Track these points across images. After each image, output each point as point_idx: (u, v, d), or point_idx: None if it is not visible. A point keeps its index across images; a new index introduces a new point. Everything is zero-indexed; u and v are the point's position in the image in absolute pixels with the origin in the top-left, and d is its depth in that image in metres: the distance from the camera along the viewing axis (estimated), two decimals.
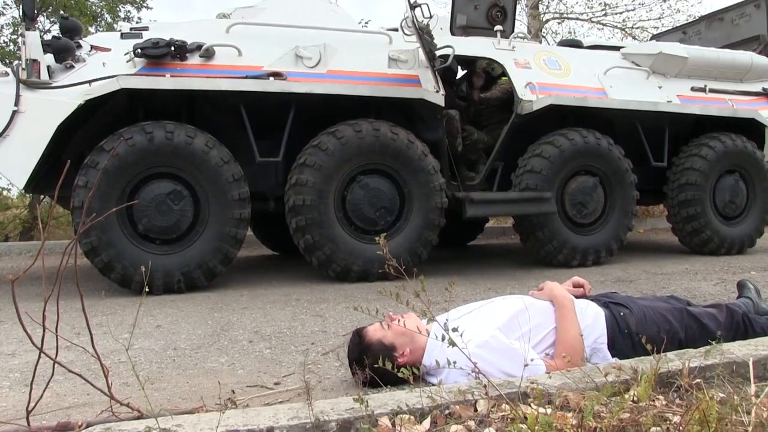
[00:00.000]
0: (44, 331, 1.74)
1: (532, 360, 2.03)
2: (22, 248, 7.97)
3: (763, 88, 6.96)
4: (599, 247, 5.81)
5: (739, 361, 2.03)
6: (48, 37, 4.96)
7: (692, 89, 6.60)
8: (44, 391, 1.90)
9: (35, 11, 5.24)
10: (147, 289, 1.97)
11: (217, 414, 1.59)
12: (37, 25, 5.25)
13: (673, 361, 2.01)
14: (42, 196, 8.58)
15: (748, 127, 6.63)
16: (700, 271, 5.33)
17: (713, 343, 2.14)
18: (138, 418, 1.77)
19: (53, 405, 2.19)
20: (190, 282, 4.64)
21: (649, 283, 4.80)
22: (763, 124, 6.64)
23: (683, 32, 8.29)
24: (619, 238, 5.92)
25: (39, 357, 1.78)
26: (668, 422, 1.59)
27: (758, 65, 6.98)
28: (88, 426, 1.69)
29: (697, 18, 8.98)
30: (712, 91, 6.66)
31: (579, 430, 1.53)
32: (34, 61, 4.50)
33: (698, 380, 1.89)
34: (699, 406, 1.51)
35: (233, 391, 2.28)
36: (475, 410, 1.71)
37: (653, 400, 1.75)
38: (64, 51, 4.69)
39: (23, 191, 6.33)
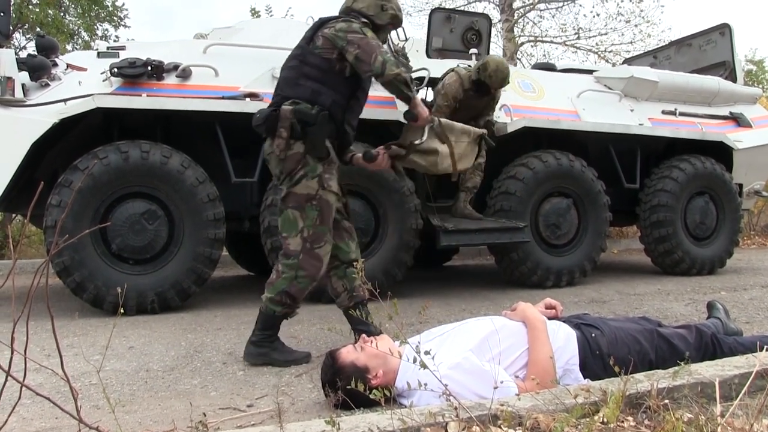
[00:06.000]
0: (12, 353, 1.72)
1: (502, 382, 2.04)
2: None
3: (731, 113, 7.12)
4: (573, 268, 5.85)
5: (706, 382, 2.06)
6: (23, 54, 4.92)
7: (663, 112, 6.72)
8: (9, 415, 1.87)
9: (10, 28, 5.21)
10: (122, 311, 1.96)
11: None
12: (12, 42, 5.21)
13: (642, 382, 2.04)
14: (14, 215, 8.46)
15: (716, 149, 6.77)
16: (671, 292, 5.40)
17: (682, 363, 2.17)
18: None
19: (19, 430, 2.15)
20: (164, 302, 4.59)
21: (622, 303, 4.85)
22: (730, 147, 6.77)
23: (654, 57, 8.47)
24: (592, 259, 5.98)
25: (6, 380, 1.76)
26: None
27: (725, 90, 7.14)
28: None
29: (667, 43, 9.16)
30: (682, 114, 6.80)
31: None
32: (9, 78, 4.46)
33: (666, 401, 1.91)
34: (665, 427, 1.53)
35: (205, 414, 2.26)
36: None
37: (622, 422, 1.77)
38: (39, 69, 4.65)
39: None
